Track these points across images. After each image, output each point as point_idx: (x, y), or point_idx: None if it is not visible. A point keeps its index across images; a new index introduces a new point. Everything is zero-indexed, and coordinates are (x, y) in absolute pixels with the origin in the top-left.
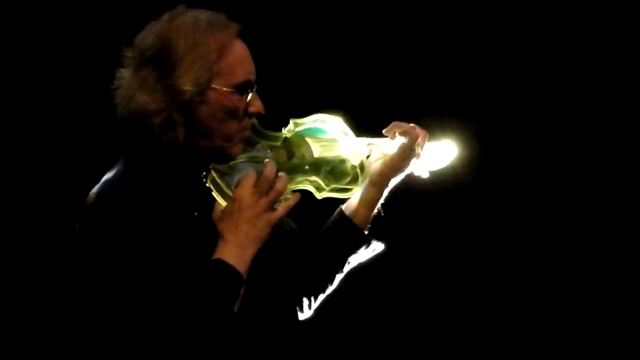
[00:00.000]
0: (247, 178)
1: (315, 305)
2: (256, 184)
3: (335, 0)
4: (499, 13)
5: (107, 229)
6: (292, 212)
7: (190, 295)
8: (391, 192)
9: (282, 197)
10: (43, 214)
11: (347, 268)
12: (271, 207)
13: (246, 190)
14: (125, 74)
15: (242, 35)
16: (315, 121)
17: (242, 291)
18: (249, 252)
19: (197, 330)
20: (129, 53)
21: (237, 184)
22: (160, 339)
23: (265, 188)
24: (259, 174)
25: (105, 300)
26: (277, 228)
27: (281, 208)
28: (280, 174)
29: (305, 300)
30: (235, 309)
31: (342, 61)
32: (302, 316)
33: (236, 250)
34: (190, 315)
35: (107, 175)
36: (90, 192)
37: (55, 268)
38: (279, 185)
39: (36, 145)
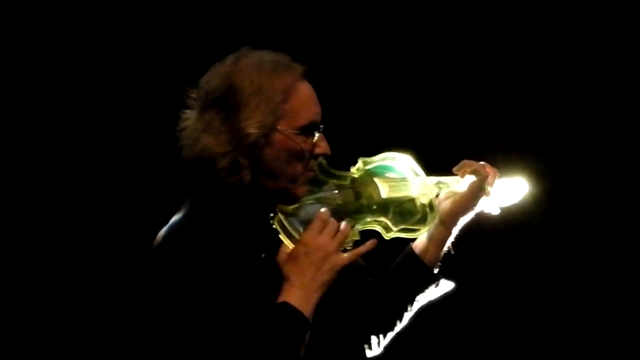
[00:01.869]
0: (315, 221)
1: (384, 343)
2: (323, 228)
3: (401, 39)
4: (570, 53)
5: (174, 271)
6: None
7: (256, 338)
8: (461, 230)
9: (348, 240)
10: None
11: (416, 306)
12: (337, 251)
13: (313, 233)
14: (190, 116)
15: (308, 76)
16: (384, 159)
17: (307, 335)
18: (315, 295)
19: None
20: (194, 94)
21: (304, 227)
22: None
23: (331, 231)
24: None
25: (173, 343)
26: (345, 267)
27: (351, 254)
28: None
29: (374, 338)
30: (301, 352)
31: (412, 99)
32: (370, 354)
33: (301, 294)
34: (255, 358)
35: (175, 217)
36: (159, 234)
37: (124, 309)
38: (344, 229)
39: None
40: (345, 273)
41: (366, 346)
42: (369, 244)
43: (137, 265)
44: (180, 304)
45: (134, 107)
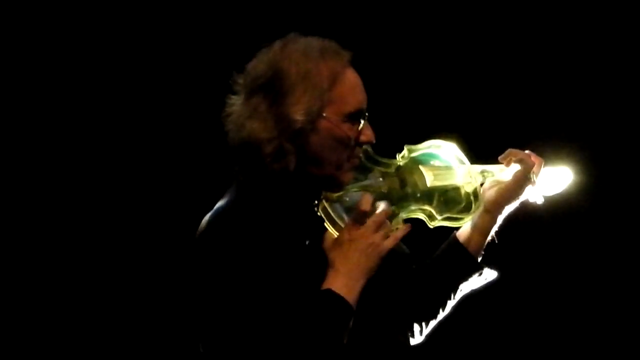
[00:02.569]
0: (359, 209)
1: (426, 331)
2: (367, 215)
3: (446, 25)
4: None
5: (219, 257)
6: (405, 238)
7: (299, 325)
8: (505, 219)
9: (392, 227)
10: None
11: (459, 295)
12: (381, 238)
13: (357, 221)
14: (236, 102)
15: (354, 63)
16: (429, 147)
17: (351, 322)
18: (359, 282)
19: None
20: (240, 80)
21: (349, 214)
22: None
23: (376, 219)
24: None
25: (217, 329)
26: (389, 254)
27: (391, 239)
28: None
29: (416, 326)
30: (345, 339)
31: (458, 87)
32: (413, 342)
33: (346, 281)
34: (299, 345)
35: (220, 203)
36: (203, 220)
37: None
38: (388, 216)
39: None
40: (388, 260)
41: (409, 334)
42: (406, 227)
43: (181, 252)
44: (224, 289)
45: (177, 94)
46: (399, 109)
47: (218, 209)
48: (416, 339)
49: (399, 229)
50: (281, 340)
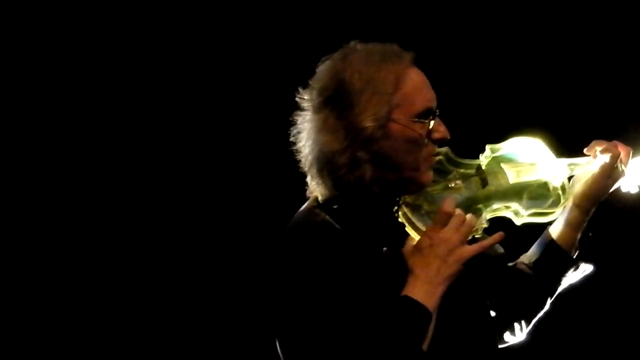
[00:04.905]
0: (440, 214)
1: (527, 329)
2: (448, 220)
3: (521, 17)
4: None
5: (297, 264)
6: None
7: (378, 332)
8: (600, 210)
9: (476, 229)
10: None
11: (557, 290)
12: (463, 243)
13: (438, 226)
14: (305, 117)
15: (425, 61)
16: (512, 145)
17: (431, 329)
18: (439, 289)
19: None
20: (306, 96)
21: (430, 218)
22: None
23: (457, 223)
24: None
25: (295, 337)
26: (481, 256)
27: (476, 246)
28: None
29: (516, 325)
30: (425, 347)
31: (539, 81)
32: (514, 340)
33: (426, 287)
34: (377, 351)
35: (298, 214)
36: (284, 229)
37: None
38: (470, 221)
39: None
40: (482, 261)
41: (509, 333)
42: (497, 236)
43: (259, 260)
44: (303, 298)
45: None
46: (480, 107)
47: (296, 218)
48: (517, 337)
49: (488, 238)
50: (359, 347)
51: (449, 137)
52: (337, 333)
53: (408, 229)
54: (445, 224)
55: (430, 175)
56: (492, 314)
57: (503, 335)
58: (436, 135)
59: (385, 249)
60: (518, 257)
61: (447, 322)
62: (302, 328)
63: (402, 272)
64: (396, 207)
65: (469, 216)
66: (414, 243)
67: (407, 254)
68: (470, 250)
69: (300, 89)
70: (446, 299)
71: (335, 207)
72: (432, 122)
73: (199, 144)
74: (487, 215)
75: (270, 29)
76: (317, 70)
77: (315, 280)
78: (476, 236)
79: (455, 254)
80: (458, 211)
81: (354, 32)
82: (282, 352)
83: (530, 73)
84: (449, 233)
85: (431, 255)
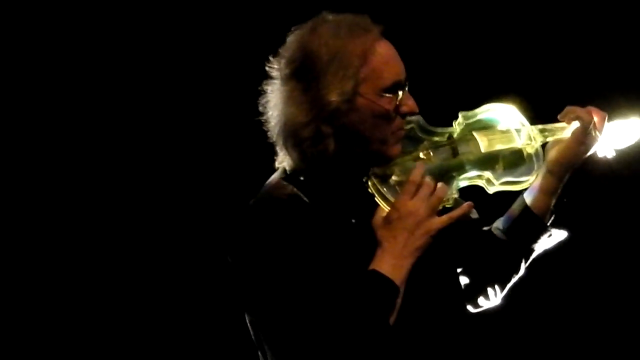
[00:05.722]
0: (408, 184)
1: (501, 294)
2: (416, 190)
3: None
4: None
5: (263, 240)
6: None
7: (344, 306)
8: (577, 176)
9: (446, 199)
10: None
11: (531, 256)
12: (432, 215)
13: (406, 197)
14: (274, 87)
15: (397, 32)
16: (486, 111)
17: (398, 302)
18: (407, 261)
19: (350, 341)
20: (275, 65)
21: (400, 188)
22: (311, 349)
23: (425, 194)
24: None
25: (263, 309)
26: (453, 223)
27: (445, 218)
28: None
29: (490, 290)
30: (391, 320)
31: (513, 46)
32: (489, 304)
33: (394, 261)
34: (343, 325)
35: (265, 186)
36: (250, 202)
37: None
38: (439, 191)
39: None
40: (454, 228)
41: (483, 297)
42: (465, 206)
43: (226, 230)
44: (270, 272)
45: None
46: (455, 74)
47: (263, 190)
48: (492, 302)
49: (457, 209)
50: (325, 321)
51: (417, 111)
52: (304, 307)
53: (378, 199)
54: (413, 194)
55: (398, 148)
56: (466, 279)
57: (477, 300)
58: (404, 109)
59: (353, 220)
60: (494, 221)
61: (416, 292)
62: (270, 302)
63: (371, 244)
64: (365, 178)
65: (439, 185)
66: (384, 214)
67: (376, 226)
68: (438, 222)
69: (270, 58)
70: (415, 269)
71: (302, 178)
72: (400, 96)
73: (168, 112)
74: (459, 184)
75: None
76: (287, 39)
77: (282, 254)
78: (447, 206)
79: (424, 226)
80: (427, 180)
81: (326, 3)
82: (251, 326)
83: (504, 39)
84: (417, 204)
85: (399, 227)
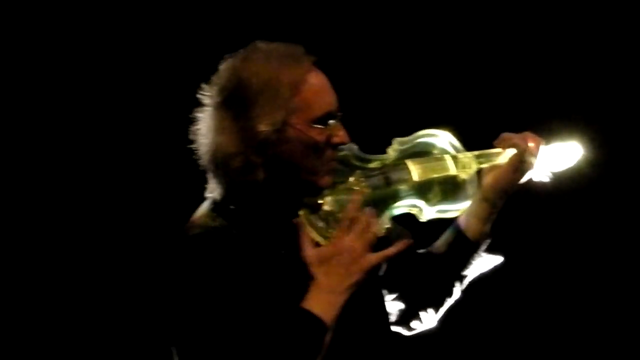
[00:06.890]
0: (343, 219)
1: (437, 316)
2: (351, 225)
3: (430, 10)
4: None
5: (190, 271)
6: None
7: (271, 344)
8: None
9: (380, 229)
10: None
11: (465, 280)
12: (365, 252)
13: (341, 232)
14: (205, 114)
15: (333, 61)
16: (421, 137)
17: (327, 339)
18: (341, 298)
19: None
20: (207, 92)
21: (332, 220)
22: None
23: (361, 229)
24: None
25: (189, 344)
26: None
27: (379, 255)
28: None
29: (423, 314)
30: (319, 358)
31: (450, 74)
32: (423, 327)
33: (327, 298)
34: None
35: (194, 217)
36: (177, 234)
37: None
38: (374, 226)
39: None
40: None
41: (416, 321)
42: (401, 245)
43: (153, 262)
44: (196, 307)
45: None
46: (391, 103)
47: (193, 220)
48: (426, 324)
49: (393, 246)
50: (250, 356)
51: (348, 142)
52: (230, 343)
53: (309, 230)
54: (349, 229)
55: (329, 178)
56: (401, 304)
57: (410, 324)
58: (335, 139)
59: (283, 252)
60: (429, 243)
61: (345, 323)
62: (193, 338)
63: (301, 276)
64: (297, 210)
65: (373, 220)
66: (315, 246)
67: (309, 261)
68: (374, 259)
69: (203, 85)
70: (348, 302)
71: (232, 207)
72: (331, 127)
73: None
74: (393, 212)
75: (180, 23)
76: (219, 67)
77: (207, 289)
78: (380, 235)
79: (359, 263)
80: (361, 215)
81: (262, 31)
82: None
83: (441, 66)
84: (352, 240)
85: (334, 263)
